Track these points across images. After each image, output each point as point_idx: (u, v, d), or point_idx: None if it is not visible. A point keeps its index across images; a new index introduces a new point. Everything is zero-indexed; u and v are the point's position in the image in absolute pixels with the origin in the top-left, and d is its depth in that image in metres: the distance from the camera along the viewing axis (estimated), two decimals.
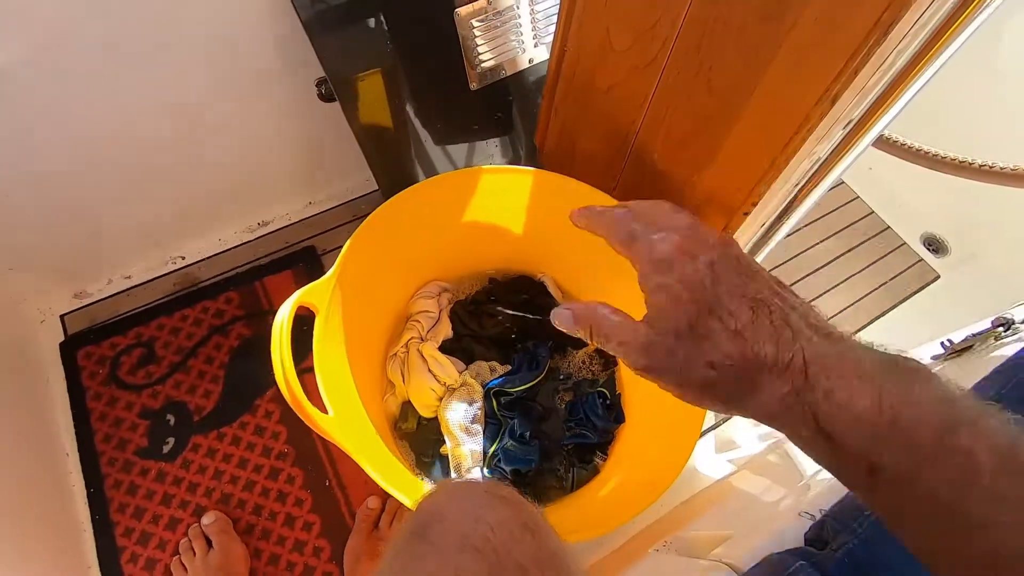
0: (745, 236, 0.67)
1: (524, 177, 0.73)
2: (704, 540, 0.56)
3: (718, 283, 0.30)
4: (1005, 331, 0.51)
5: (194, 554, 0.72)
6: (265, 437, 0.83)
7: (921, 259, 1.10)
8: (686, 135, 0.63)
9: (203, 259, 0.97)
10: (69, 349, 0.87)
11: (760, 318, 0.29)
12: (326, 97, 0.84)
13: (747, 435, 0.86)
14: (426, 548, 0.31)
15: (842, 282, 1.06)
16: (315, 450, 0.82)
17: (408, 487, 0.62)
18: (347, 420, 0.57)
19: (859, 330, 1.01)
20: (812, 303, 0.31)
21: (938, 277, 1.08)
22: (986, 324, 0.52)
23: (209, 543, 0.73)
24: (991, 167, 0.70)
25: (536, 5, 0.87)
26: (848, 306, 1.04)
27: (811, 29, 0.45)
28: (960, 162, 0.72)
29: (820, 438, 0.28)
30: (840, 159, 0.67)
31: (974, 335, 0.53)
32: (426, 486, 0.70)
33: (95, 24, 0.66)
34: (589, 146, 0.80)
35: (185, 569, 0.72)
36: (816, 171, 0.71)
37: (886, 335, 1.00)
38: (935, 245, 1.13)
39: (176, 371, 0.86)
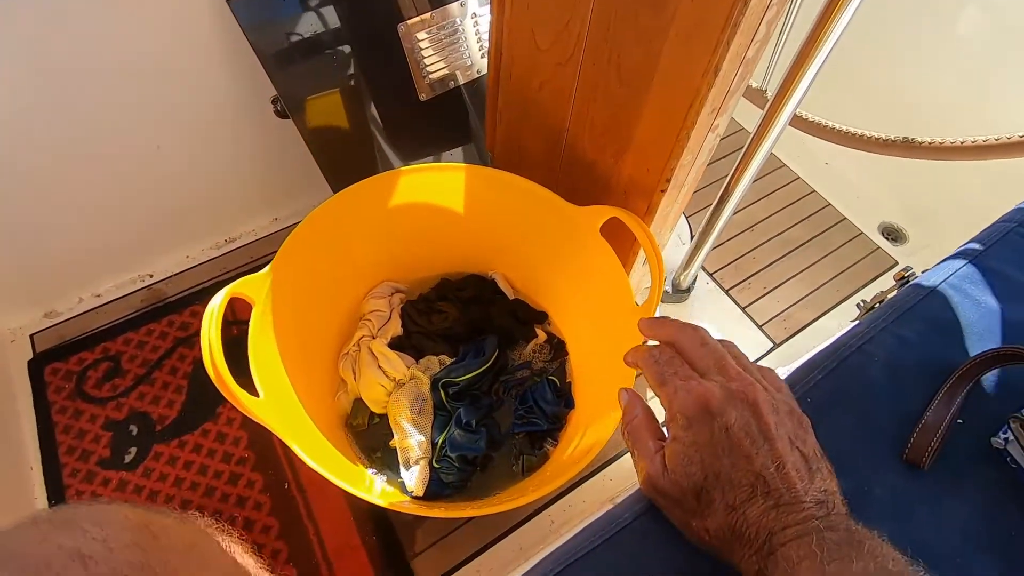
0: (670, 215, 0.69)
1: (466, 174, 0.75)
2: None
3: (731, 451, 0.31)
4: (904, 283, 0.53)
5: None
6: (226, 443, 0.84)
7: (878, 247, 1.12)
8: (606, 124, 0.66)
9: (171, 276, 1.00)
10: (37, 366, 0.89)
11: (755, 497, 0.30)
12: (282, 114, 0.88)
13: None
14: None
15: (800, 271, 1.08)
16: (275, 454, 0.83)
17: (348, 474, 0.63)
18: (281, 406, 0.58)
19: (819, 316, 1.02)
20: (828, 474, 0.31)
21: (895, 264, 1.10)
22: (890, 283, 0.54)
23: None
24: (912, 141, 0.72)
25: (479, 18, 0.91)
26: (808, 294, 1.05)
27: (691, 9, 0.48)
28: (886, 140, 0.75)
29: None
30: (764, 137, 0.71)
31: (882, 292, 0.55)
32: (376, 480, 0.71)
33: (59, 48, 0.70)
34: (531, 145, 0.83)
35: None
36: (746, 150, 0.74)
37: (845, 321, 1.01)
38: (893, 235, 1.15)
39: (141, 383, 0.88)
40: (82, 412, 0.85)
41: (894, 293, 0.50)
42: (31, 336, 0.92)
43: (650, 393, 0.82)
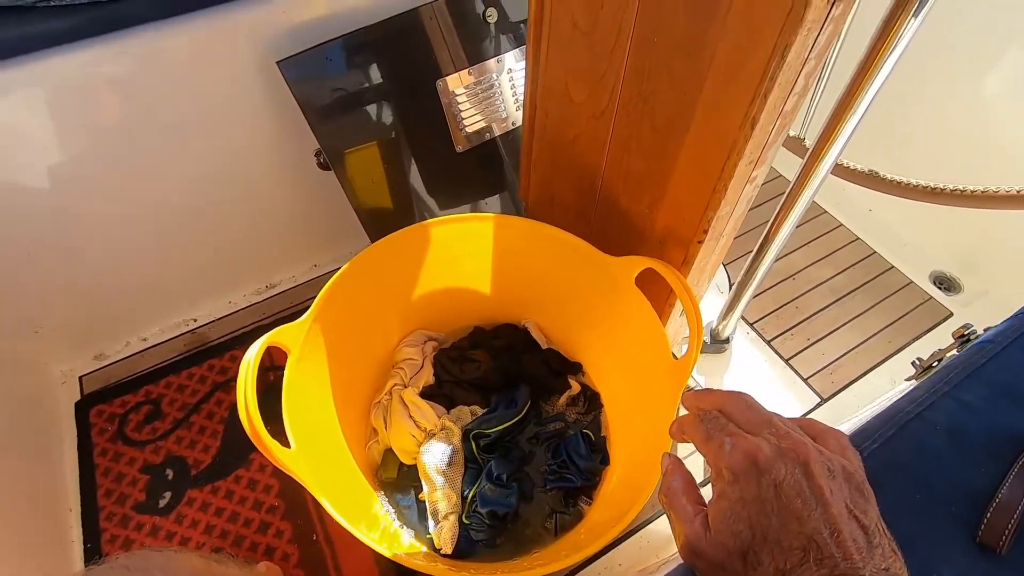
0: (708, 266, 0.68)
1: (501, 224, 0.76)
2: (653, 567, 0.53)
3: (781, 511, 0.29)
4: (964, 342, 0.49)
5: None
6: (257, 490, 0.84)
7: (931, 297, 1.07)
8: (641, 174, 0.65)
9: (213, 320, 1.03)
10: (84, 407, 0.92)
11: (807, 563, 0.27)
12: (324, 166, 0.91)
13: None
14: None
15: (847, 322, 1.03)
16: (304, 504, 0.82)
17: (376, 529, 0.62)
18: (312, 457, 0.58)
19: (869, 370, 0.97)
20: (891, 551, 0.28)
21: (951, 315, 1.04)
22: (948, 339, 0.51)
23: None
24: (963, 191, 0.69)
25: (514, 74, 0.94)
26: (856, 346, 1.00)
27: (727, 60, 0.48)
28: (932, 189, 0.72)
29: None
30: (804, 186, 0.69)
31: (940, 350, 0.51)
32: (403, 533, 0.69)
33: (117, 104, 0.75)
34: (565, 195, 0.84)
35: None
36: (785, 200, 0.73)
37: (899, 375, 0.96)
38: (946, 284, 1.10)
39: (179, 427, 0.90)
40: (122, 455, 0.87)
41: (953, 352, 0.47)
42: (80, 378, 0.96)
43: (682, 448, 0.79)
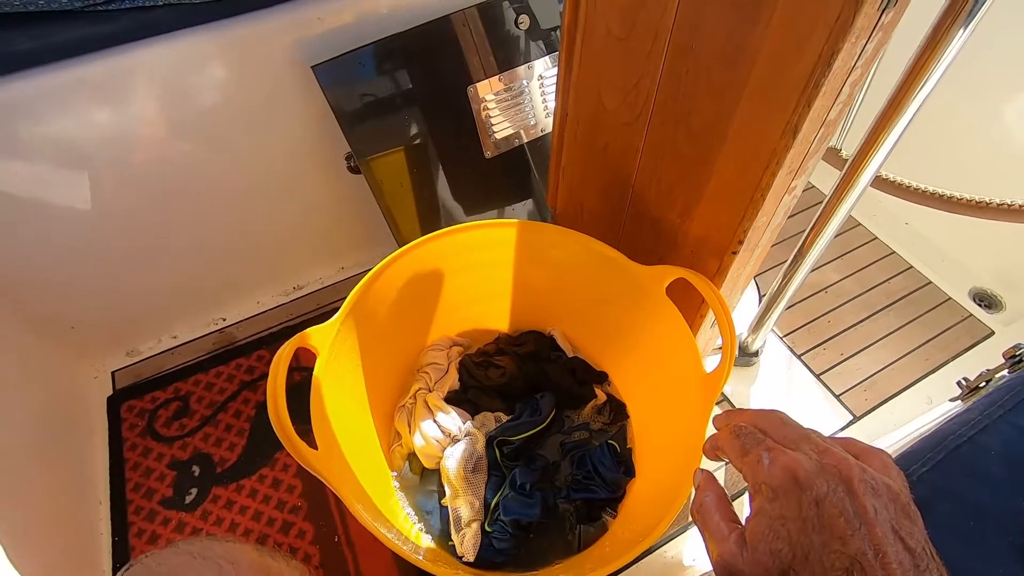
0: (742, 277, 0.66)
1: (530, 231, 0.75)
2: None
3: (822, 529, 0.27)
4: (1016, 363, 0.47)
5: None
6: (281, 490, 0.84)
7: (971, 315, 1.03)
8: (674, 182, 0.64)
9: (242, 320, 1.05)
10: (115, 402, 0.93)
11: None
12: (355, 170, 0.92)
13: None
14: None
15: (882, 338, 1.00)
16: (327, 505, 0.82)
17: (402, 531, 0.61)
18: (342, 460, 0.58)
19: (906, 388, 0.94)
20: (935, 567, 0.27)
21: (992, 333, 1.00)
22: (998, 359, 0.48)
23: None
24: (1010, 205, 0.67)
25: (545, 80, 0.94)
26: (892, 363, 0.97)
27: (768, 68, 0.47)
28: (977, 202, 0.70)
29: None
30: (843, 198, 0.67)
31: (988, 370, 0.49)
32: (424, 538, 0.68)
33: (152, 104, 0.77)
34: (594, 202, 0.83)
35: None
36: (821, 213, 0.71)
37: (936, 393, 0.93)
38: (987, 300, 1.06)
39: (206, 424, 0.91)
40: (151, 450, 0.88)
41: (1003, 373, 0.45)
42: (112, 373, 0.98)
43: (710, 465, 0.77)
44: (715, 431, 0.37)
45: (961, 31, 0.50)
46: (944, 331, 1.01)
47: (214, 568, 0.35)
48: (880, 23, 0.40)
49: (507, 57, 0.90)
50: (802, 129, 0.46)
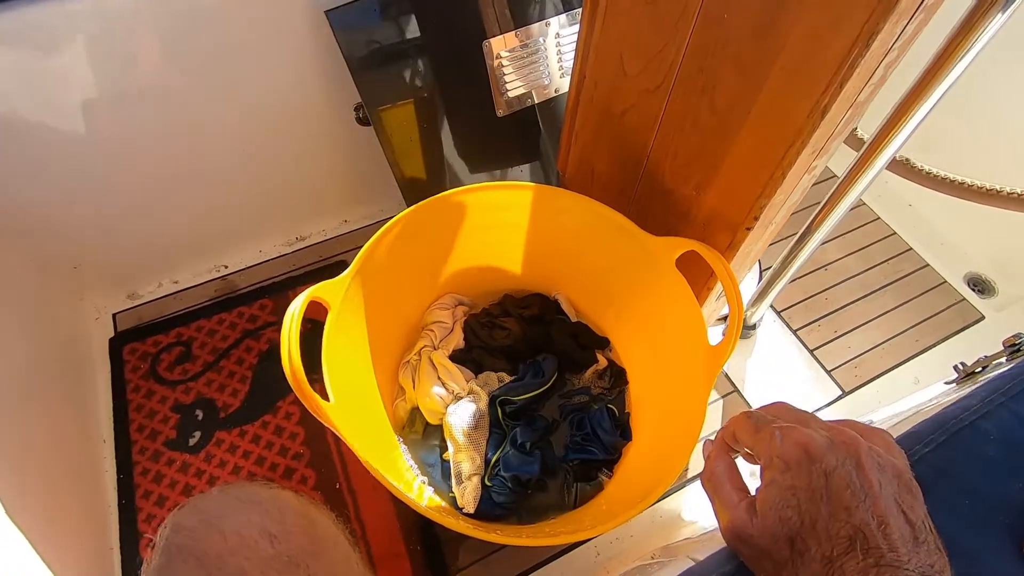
0: (752, 253, 0.67)
1: (540, 194, 0.75)
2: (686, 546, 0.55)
3: (830, 500, 0.29)
4: (1015, 351, 0.49)
5: None
6: (283, 437, 0.86)
7: (963, 299, 1.05)
8: (692, 154, 0.64)
9: (244, 268, 1.04)
10: (117, 344, 0.94)
11: (854, 552, 0.28)
12: (363, 121, 0.91)
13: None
14: (163, 561, 0.34)
15: (876, 317, 1.02)
16: (328, 453, 0.85)
17: (404, 483, 0.64)
18: (350, 412, 0.59)
19: (894, 366, 0.97)
20: (936, 549, 0.28)
21: (982, 318, 1.03)
22: (987, 344, 0.50)
23: None
24: (1021, 194, 0.67)
25: (562, 39, 0.92)
26: (883, 342, 1.00)
27: (800, 45, 0.47)
28: (988, 190, 0.70)
29: None
30: (856, 179, 0.68)
31: (986, 356, 0.51)
32: (426, 491, 0.71)
33: (158, 46, 0.74)
34: (606, 169, 0.82)
35: None
36: (833, 193, 0.71)
37: (923, 374, 0.96)
38: (980, 286, 1.08)
39: (209, 370, 0.92)
40: (154, 392, 0.89)
41: (1001, 360, 0.47)
42: (113, 315, 0.98)
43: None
44: (722, 427, 0.39)
45: (1000, 15, 0.49)
46: (936, 314, 1.03)
47: (260, 511, 0.37)
48: (924, 4, 0.40)
49: (524, 13, 0.87)
50: (831, 109, 0.46)
